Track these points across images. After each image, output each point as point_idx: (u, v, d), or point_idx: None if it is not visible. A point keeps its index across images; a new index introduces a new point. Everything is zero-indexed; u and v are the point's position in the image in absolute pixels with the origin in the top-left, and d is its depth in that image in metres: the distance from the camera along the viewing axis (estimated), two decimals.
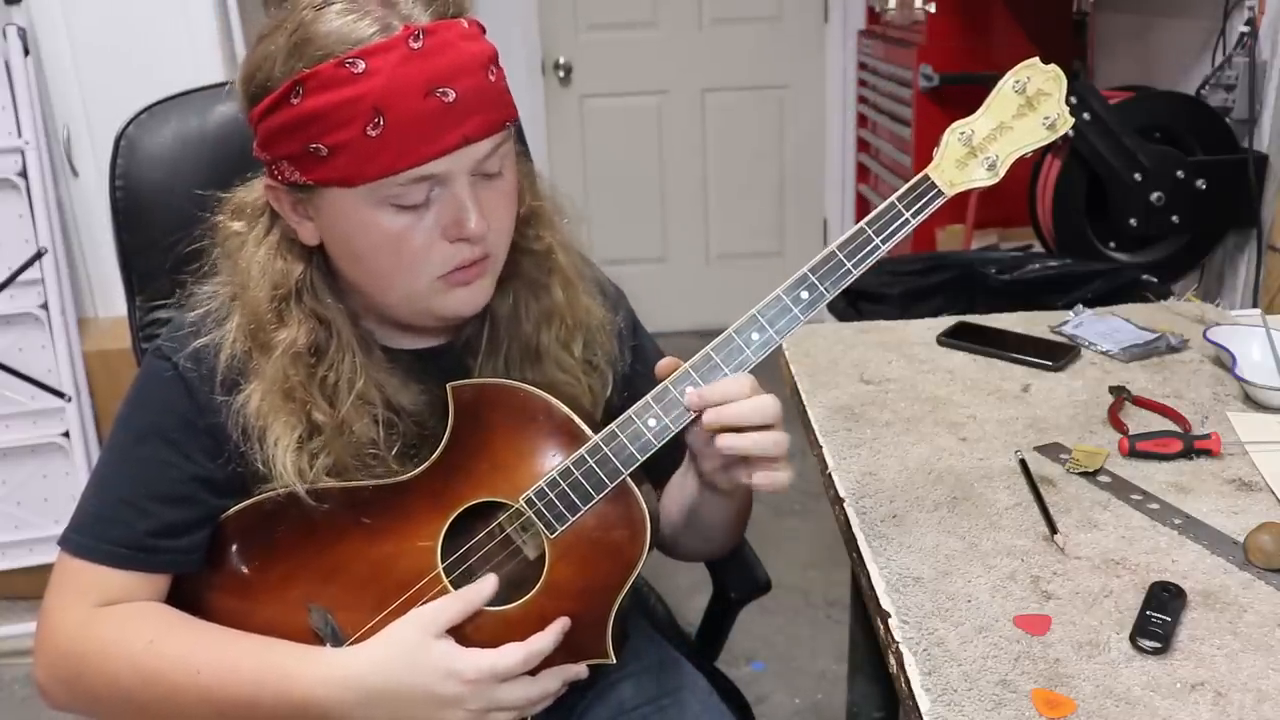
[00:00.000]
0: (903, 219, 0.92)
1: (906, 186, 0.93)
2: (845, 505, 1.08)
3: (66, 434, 2.32)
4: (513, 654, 0.91)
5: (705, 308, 3.75)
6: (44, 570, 2.60)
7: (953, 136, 0.93)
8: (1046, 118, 0.92)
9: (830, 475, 1.14)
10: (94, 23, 2.33)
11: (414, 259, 0.92)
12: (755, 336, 0.92)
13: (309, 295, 0.96)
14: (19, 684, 2.30)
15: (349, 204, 0.90)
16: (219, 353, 0.95)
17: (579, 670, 0.96)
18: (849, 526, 1.05)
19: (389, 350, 1.01)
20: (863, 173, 3.82)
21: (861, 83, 3.71)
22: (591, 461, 0.92)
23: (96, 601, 0.94)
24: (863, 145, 3.77)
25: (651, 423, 0.91)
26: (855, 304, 2.08)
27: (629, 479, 0.92)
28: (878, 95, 3.47)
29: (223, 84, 1.29)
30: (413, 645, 0.90)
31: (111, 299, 2.44)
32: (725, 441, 0.90)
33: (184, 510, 0.96)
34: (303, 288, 0.96)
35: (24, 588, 2.42)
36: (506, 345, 1.03)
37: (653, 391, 0.92)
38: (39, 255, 2.24)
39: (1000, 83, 0.93)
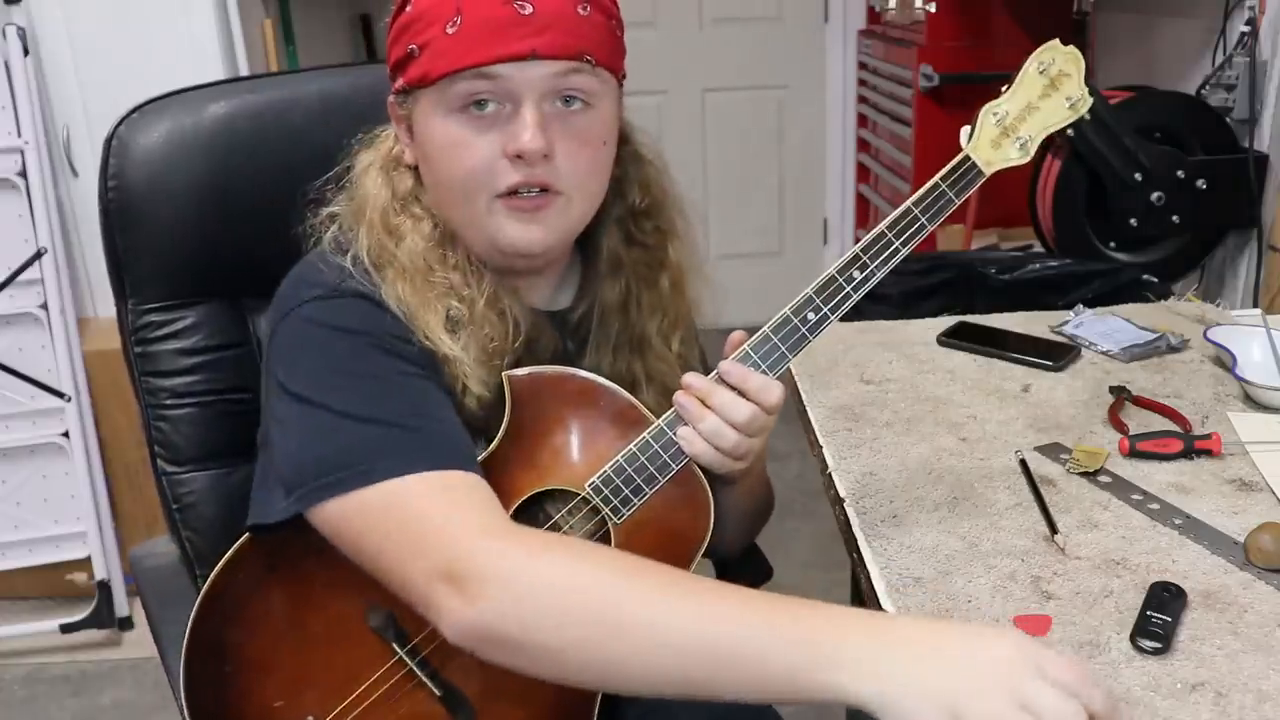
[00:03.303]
0: (947, 198, 0.94)
1: (949, 167, 0.95)
2: (845, 505, 1.08)
3: (66, 434, 2.31)
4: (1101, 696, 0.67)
5: (705, 308, 3.74)
6: (44, 570, 2.60)
7: (987, 117, 0.96)
8: (1069, 98, 0.96)
9: (830, 475, 1.14)
10: (94, 23, 2.32)
11: (471, 172, 0.93)
12: (811, 316, 0.94)
13: (428, 200, 0.99)
14: (19, 684, 2.30)
15: (430, 107, 0.93)
16: (360, 261, 0.95)
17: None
18: (849, 526, 1.05)
19: None
20: (863, 173, 3.82)
21: (861, 83, 3.71)
22: (656, 445, 0.93)
23: (495, 506, 0.84)
24: (863, 145, 3.77)
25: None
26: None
27: (693, 460, 0.94)
28: (878, 95, 3.47)
29: (220, 82, 1.28)
30: (997, 629, 0.77)
31: (111, 299, 2.43)
32: (679, 397, 0.93)
33: (444, 405, 0.91)
34: (420, 195, 0.99)
35: (24, 588, 2.42)
36: (616, 335, 1.05)
37: (713, 373, 0.94)
38: (39, 255, 2.24)
39: (1025, 64, 0.96)
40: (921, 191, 0.94)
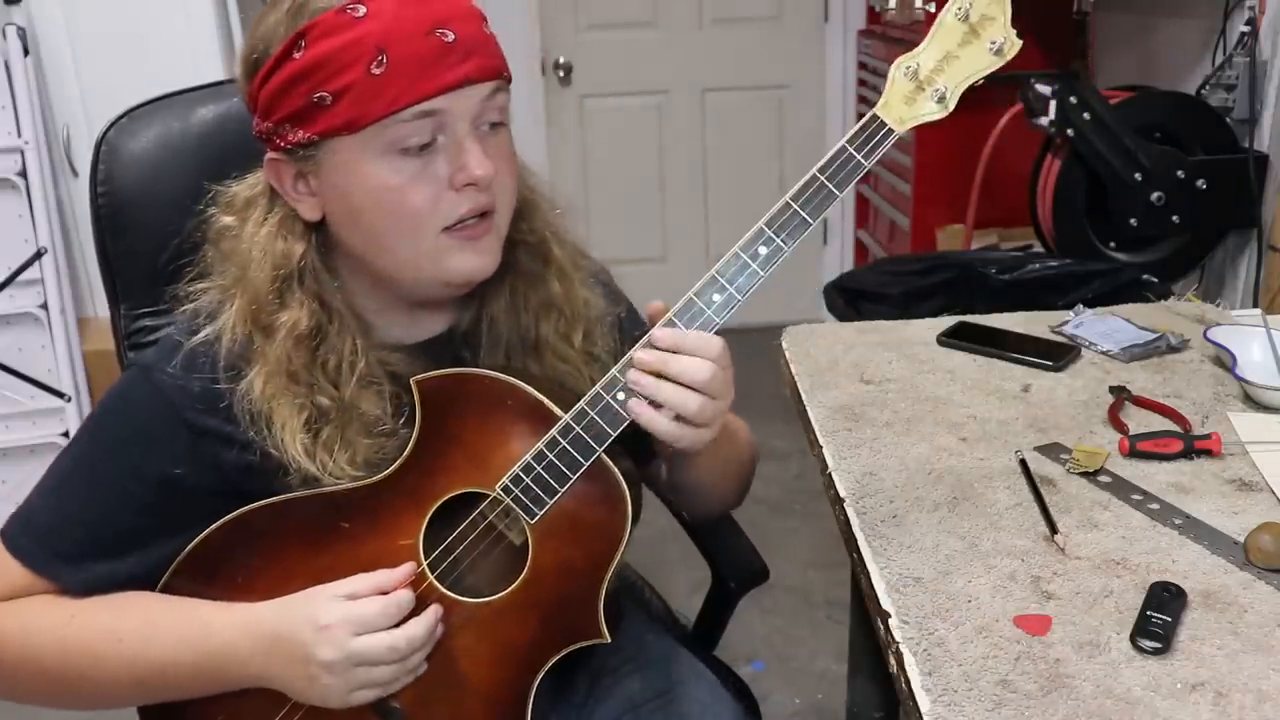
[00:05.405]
0: (855, 162, 0.91)
1: (856, 128, 0.92)
2: (845, 505, 1.08)
3: (66, 434, 2.32)
4: (370, 603, 0.91)
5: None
6: None
7: (898, 72, 0.91)
8: (993, 42, 0.90)
9: (830, 475, 1.14)
10: (94, 23, 2.33)
11: (418, 212, 0.91)
12: (716, 298, 0.92)
13: (310, 277, 0.96)
14: None
15: (353, 156, 0.90)
16: (218, 343, 0.95)
17: (433, 614, 0.94)
18: (849, 526, 1.05)
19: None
20: None
21: (861, 83, 3.71)
22: (564, 442, 0.91)
23: (13, 596, 0.96)
24: None
25: (621, 396, 0.91)
26: (855, 304, 2.08)
27: (604, 455, 0.92)
28: (877, 95, 3.46)
29: (209, 85, 1.27)
30: (305, 594, 0.92)
31: None
32: (633, 375, 0.90)
33: (126, 538, 0.96)
34: (304, 269, 0.96)
35: None
36: (506, 339, 1.03)
37: (618, 365, 0.91)
38: (39, 255, 2.25)
39: (942, 13, 0.91)
40: (828, 157, 0.91)
